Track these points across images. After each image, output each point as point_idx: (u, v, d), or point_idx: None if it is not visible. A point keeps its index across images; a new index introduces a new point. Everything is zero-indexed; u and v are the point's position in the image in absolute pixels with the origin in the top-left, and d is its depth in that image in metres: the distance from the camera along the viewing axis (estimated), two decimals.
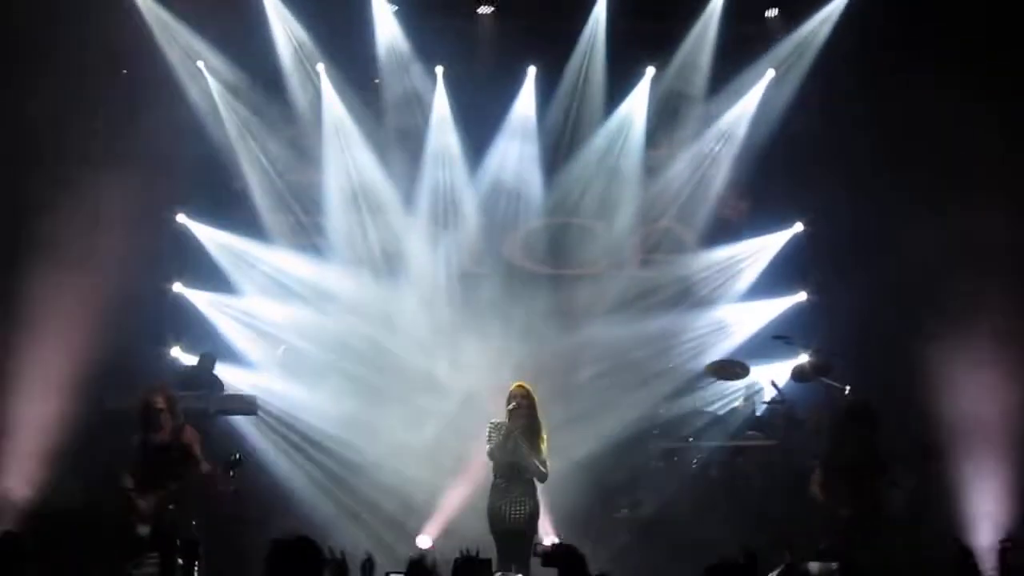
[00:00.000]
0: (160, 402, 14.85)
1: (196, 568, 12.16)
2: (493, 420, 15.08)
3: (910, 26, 18.95)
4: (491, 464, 15.15)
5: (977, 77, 18.46)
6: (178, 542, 12.31)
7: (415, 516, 18.28)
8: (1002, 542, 14.54)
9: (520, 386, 15.15)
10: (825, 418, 17.57)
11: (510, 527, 14.75)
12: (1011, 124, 18.42)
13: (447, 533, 17.41)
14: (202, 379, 18.95)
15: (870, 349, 19.13)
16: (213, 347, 19.73)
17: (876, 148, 19.73)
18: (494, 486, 14.99)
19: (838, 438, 16.07)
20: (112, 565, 13.40)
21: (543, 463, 15.02)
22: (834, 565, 12.13)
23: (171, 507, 14.49)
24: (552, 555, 11.84)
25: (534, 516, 14.98)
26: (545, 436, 15.11)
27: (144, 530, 13.98)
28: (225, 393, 18.84)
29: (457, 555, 10.92)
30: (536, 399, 15.13)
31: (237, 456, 15.61)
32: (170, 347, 19.76)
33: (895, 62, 19.26)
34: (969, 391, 17.91)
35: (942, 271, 18.53)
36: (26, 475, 17.26)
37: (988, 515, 16.87)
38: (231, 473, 15.46)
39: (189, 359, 19.72)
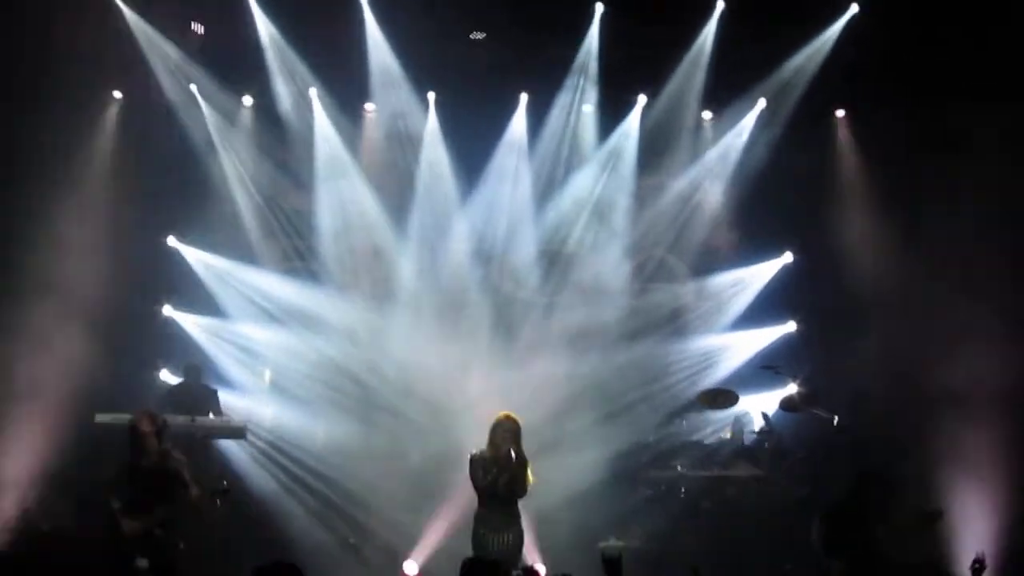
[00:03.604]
0: (147, 426, 14.74)
1: None
2: (474, 451, 14.99)
3: (898, 59, 19.06)
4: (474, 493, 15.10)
5: (962, 113, 18.56)
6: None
7: (404, 540, 18.28)
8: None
9: (507, 417, 15.05)
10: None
11: (496, 555, 14.66)
12: (999, 157, 18.49)
13: (434, 558, 17.45)
14: (195, 392, 18.99)
15: (859, 381, 19.12)
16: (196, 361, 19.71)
17: (864, 178, 19.79)
18: (478, 515, 14.94)
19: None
20: None
21: (526, 486, 14.97)
22: None
23: (158, 531, 14.38)
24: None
25: (518, 544, 14.92)
26: (529, 465, 15.03)
27: (143, 563, 13.91)
28: (213, 417, 18.80)
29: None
30: (521, 429, 15.06)
31: (225, 485, 15.52)
32: (159, 369, 19.70)
33: (883, 94, 19.32)
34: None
35: (930, 302, 18.64)
36: (17, 495, 17.25)
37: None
38: (218, 502, 15.38)
39: (175, 379, 19.65)
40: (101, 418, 17.67)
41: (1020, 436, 17.54)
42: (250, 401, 19.91)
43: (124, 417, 17.25)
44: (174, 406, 18.33)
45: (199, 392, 19.19)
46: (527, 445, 14.91)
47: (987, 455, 17.57)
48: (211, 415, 18.69)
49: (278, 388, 20.20)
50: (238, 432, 18.61)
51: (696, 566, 12.19)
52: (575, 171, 21.05)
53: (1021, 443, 17.50)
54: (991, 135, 18.47)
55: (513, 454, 14.74)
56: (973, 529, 16.69)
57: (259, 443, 19.43)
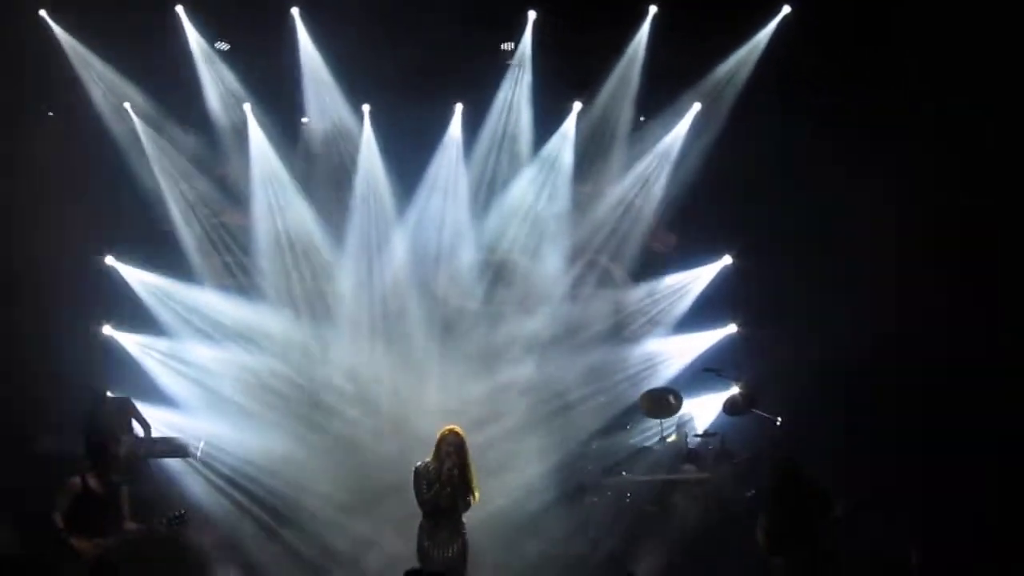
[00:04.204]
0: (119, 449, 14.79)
1: None
2: (418, 464, 14.98)
3: (832, 62, 19.14)
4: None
5: (897, 116, 18.71)
6: None
7: (339, 553, 18.35)
8: None
9: (452, 431, 15.04)
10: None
11: (439, 567, 14.68)
12: (935, 162, 18.65)
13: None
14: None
15: (799, 379, 19.16)
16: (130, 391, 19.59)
17: (800, 178, 19.86)
18: (421, 527, 14.94)
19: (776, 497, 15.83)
20: None
21: (471, 499, 14.97)
22: None
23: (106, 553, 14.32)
24: None
25: (463, 555, 14.94)
26: (475, 475, 15.00)
27: None
28: (157, 436, 18.78)
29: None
30: (467, 442, 15.05)
31: (181, 512, 15.38)
32: (101, 390, 19.52)
33: (816, 97, 19.37)
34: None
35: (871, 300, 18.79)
36: None
37: None
38: (174, 528, 15.25)
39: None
40: (45, 441, 17.54)
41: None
42: (190, 418, 19.77)
43: (67, 440, 17.31)
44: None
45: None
46: (471, 454, 14.96)
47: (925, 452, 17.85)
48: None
49: (219, 404, 20.05)
50: (182, 450, 18.53)
51: (632, 571, 12.26)
52: (512, 179, 21.03)
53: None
54: (926, 132, 18.68)
55: (456, 471, 14.77)
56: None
57: (203, 460, 19.36)
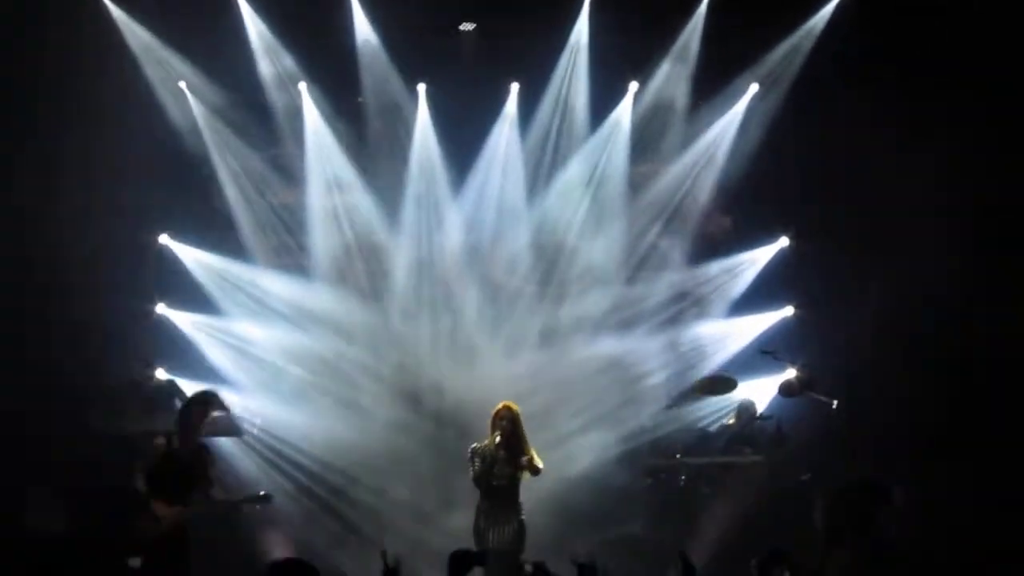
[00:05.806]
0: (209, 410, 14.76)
1: None
2: (475, 444, 14.96)
3: (894, 39, 18.94)
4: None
5: (961, 86, 18.52)
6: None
7: (397, 535, 18.30)
8: None
9: (505, 406, 15.04)
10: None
11: (495, 548, 14.65)
12: (997, 144, 18.47)
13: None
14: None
15: (857, 364, 19.03)
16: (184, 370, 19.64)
17: (860, 159, 19.67)
18: (478, 507, 14.91)
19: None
20: None
21: (533, 460, 14.91)
22: None
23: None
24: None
25: (520, 536, 14.91)
26: (531, 447, 14.96)
27: (135, 562, 13.71)
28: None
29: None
30: (520, 416, 15.01)
31: (264, 493, 15.42)
32: (154, 369, 19.53)
33: (880, 75, 19.17)
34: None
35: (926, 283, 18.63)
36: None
37: None
38: (257, 507, 15.29)
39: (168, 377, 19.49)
40: (97, 427, 17.63)
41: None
42: (244, 398, 19.78)
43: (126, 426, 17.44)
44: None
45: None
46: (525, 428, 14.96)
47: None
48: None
49: (273, 387, 20.09)
50: (234, 429, 18.58)
51: (684, 552, 12.19)
52: (567, 159, 20.89)
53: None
54: (988, 115, 18.51)
55: (497, 440, 14.72)
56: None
57: (254, 440, 19.43)
